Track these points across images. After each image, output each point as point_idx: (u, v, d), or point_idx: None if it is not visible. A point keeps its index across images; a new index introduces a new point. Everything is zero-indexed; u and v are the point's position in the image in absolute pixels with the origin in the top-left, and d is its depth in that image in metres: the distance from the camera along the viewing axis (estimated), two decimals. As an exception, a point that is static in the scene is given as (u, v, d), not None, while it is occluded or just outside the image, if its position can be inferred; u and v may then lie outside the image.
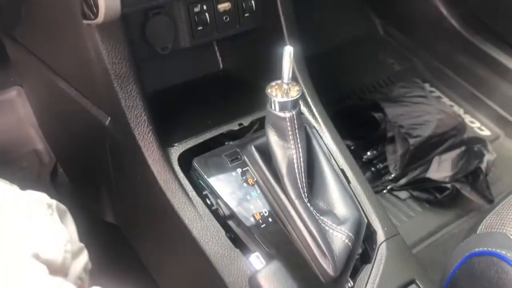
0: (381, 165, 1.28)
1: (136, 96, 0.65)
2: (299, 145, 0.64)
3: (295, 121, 0.63)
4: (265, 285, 0.53)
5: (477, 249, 0.73)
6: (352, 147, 1.32)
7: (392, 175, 1.25)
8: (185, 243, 0.66)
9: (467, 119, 1.53)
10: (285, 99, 0.62)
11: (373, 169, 1.29)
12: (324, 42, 1.54)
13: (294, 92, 0.62)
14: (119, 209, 0.88)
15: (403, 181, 1.24)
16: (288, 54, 0.59)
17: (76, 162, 0.96)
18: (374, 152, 1.30)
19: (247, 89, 0.81)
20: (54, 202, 0.52)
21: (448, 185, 1.18)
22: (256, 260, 0.57)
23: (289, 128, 0.63)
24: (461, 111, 1.55)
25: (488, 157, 1.20)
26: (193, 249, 0.65)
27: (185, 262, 0.73)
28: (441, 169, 1.19)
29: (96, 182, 0.91)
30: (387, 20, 1.71)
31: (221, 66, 0.89)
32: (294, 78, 0.77)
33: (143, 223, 0.81)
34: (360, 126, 1.32)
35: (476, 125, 1.53)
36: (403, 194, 1.25)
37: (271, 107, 0.63)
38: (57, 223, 0.49)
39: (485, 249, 0.72)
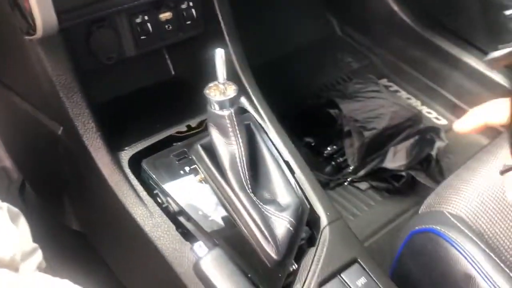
0: (341, 159, 1.33)
1: (82, 105, 0.69)
2: (240, 140, 0.69)
3: (234, 118, 0.68)
4: (208, 271, 0.57)
5: (417, 227, 0.78)
6: (312, 144, 1.37)
7: (351, 168, 1.30)
8: (139, 241, 0.70)
9: (424, 110, 1.59)
10: (222, 98, 0.66)
11: (333, 163, 1.34)
12: (282, 45, 1.59)
13: (231, 91, 0.67)
14: (81, 217, 0.91)
15: (362, 172, 1.29)
16: (219, 56, 0.63)
17: (39, 175, 0.99)
18: (334, 147, 1.35)
19: (196, 93, 0.85)
20: (5, 205, 0.55)
21: (404, 173, 1.23)
22: (199, 249, 0.61)
23: (229, 125, 0.68)
24: (418, 103, 1.61)
25: (438, 144, 1.26)
26: (147, 245, 0.69)
27: (142, 260, 0.76)
28: (396, 158, 1.25)
29: (59, 192, 0.94)
30: (343, 20, 1.77)
31: (173, 72, 0.93)
32: (237, 79, 0.82)
33: (103, 227, 0.85)
34: (319, 123, 1.38)
35: (433, 115, 1.59)
36: (363, 185, 1.31)
37: (211, 106, 0.68)
38: (7, 223, 0.52)
39: (424, 226, 0.77)
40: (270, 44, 1.55)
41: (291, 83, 1.48)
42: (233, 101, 0.67)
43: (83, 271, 0.75)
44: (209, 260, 0.57)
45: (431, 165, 1.23)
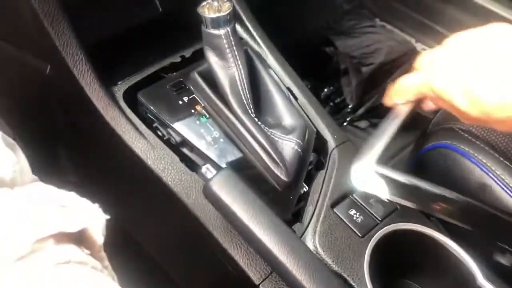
0: (338, 99, 1.30)
1: (69, 35, 0.65)
2: (239, 62, 0.65)
3: (231, 37, 0.64)
4: (219, 191, 0.54)
5: (427, 145, 0.76)
6: (308, 86, 1.33)
7: (350, 107, 1.27)
8: (143, 176, 0.67)
9: (419, 47, 1.56)
10: (216, 15, 0.62)
11: (331, 104, 1.31)
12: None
13: (225, 8, 0.63)
14: (78, 164, 0.88)
15: (361, 110, 1.27)
16: (211, -32, 0.59)
17: (30, 127, 0.95)
18: (331, 88, 1.32)
19: (188, 26, 0.81)
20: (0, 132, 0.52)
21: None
22: (207, 171, 0.58)
23: (226, 45, 0.64)
24: (412, 40, 1.57)
25: (438, 74, 1.23)
26: (151, 180, 0.66)
27: (148, 197, 0.74)
28: (395, 92, 1.22)
29: (52, 142, 0.90)
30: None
31: (160, 9, 0.88)
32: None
33: (102, 170, 0.82)
34: (314, 64, 1.34)
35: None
36: (363, 124, 1.28)
37: (205, 26, 0.64)
38: (4, 148, 0.48)
39: (434, 143, 0.75)
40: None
41: (282, 26, 1.43)
42: (229, 19, 0.63)
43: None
44: (219, 180, 0.54)
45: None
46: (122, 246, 0.89)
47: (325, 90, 1.32)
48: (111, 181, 0.82)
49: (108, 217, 0.44)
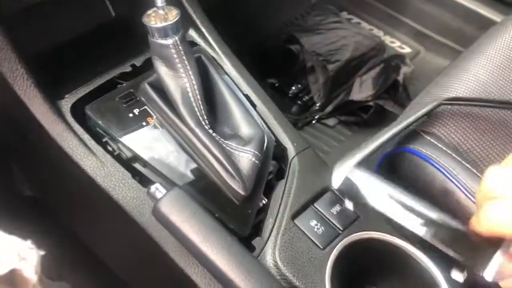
0: (306, 97, 1.28)
1: (7, 49, 0.61)
2: (190, 72, 0.62)
3: (180, 46, 0.61)
4: (168, 213, 0.51)
5: (389, 149, 0.74)
6: (276, 84, 1.31)
7: (318, 104, 1.25)
8: (93, 194, 0.64)
9: (388, 40, 1.55)
10: (163, 24, 0.59)
11: (299, 102, 1.29)
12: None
13: (172, 16, 0.60)
14: (31, 179, 0.84)
15: (329, 108, 1.25)
16: (154, -26, 0.56)
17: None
18: (299, 85, 1.30)
19: (138, 32, 0.78)
20: None
21: (372, 104, 1.19)
22: (156, 191, 0.55)
23: (174, 55, 0.61)
24: (380, 33, 1.56)
25: (404, 69, 1.22)
26: (101, 198, 0.63)
27: (100, 215, 0.71)
28: (362, 89, 1.21)
29: (4, 158, 0.86)
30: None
31: (113, 14, 0.84)
32: (183, 9, 0.75)
33: (54, 187, 0.78)
34: (281, 62, 1.31)
35: (396, 44, 1.55)
36: (332, 121, 1.27)
37: (152, 36, 0.61)
38: None
39: (398, 147, 0.73)
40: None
41: (247, 23, 1.40)
42: (176, 27, 0.60)
43: (38, 236, 0.69)
44: (168, 201, 0.52)
45: (399, 92, 1.20)
46: (82, 261, 0.86)
47: (293, 88, 1.30)
48: (65, 195, 0.79)
49: (42, 253, 0.41)
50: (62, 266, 0.77)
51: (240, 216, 0.61)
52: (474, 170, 0.66)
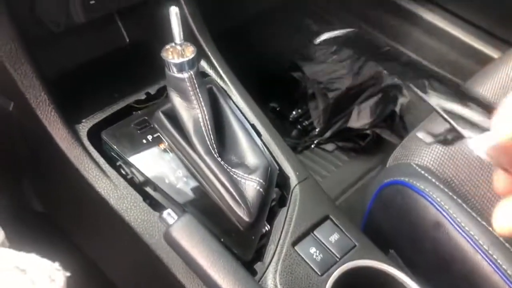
0: (306, 122, 1.33)
1: (32, 76, 0.65)
2: (203, 103, 0.66)
3: (195, 80, 0.65)
4: (179, 238, 0.55)
5: (386, 181, 0.78)
6: (277, 109, 1.36)
7: (317, 130, 1.30)
8: (106, 215, 0.67)
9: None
10: (180, 60, 0.63)
11: (299, 126, 1.33)
12: (240, 12, 1.55)
13: (189, 52, 0.64)
14: (43, 197, 0.88)
15: (328, 134, 1.30)
16: (174, 14, 0.60)
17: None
18: (299, 110, 1.35)
19: (154, 59, 0.82)
20: None
21: (369, 132, 1.24)
22: (168, 216, 0.59)
23: (189, 88, 0.65)
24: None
25: (401, 100, 1.27)
26: (114, 219, 0.66)
27: (111, 235, 0.74)
28: (360, 117, 1.25)
29: (17, 174, 0.90)
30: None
31: (127, 39, 0.88)
32: (195, 41, 0.79)
33: (66, 205, 0.81)
34: (283, 88, 1.36)
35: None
36: (330, 147, 1.31)
37: (169, 70, 0.65)
38: None
39: (392, 179, 0.78)
40: (228, 11, 1.51)
41: (253, 49, 1.45)
42: (192, 63, 0.64)
43: (49, 252, 0.72)
44: (180, 226, 0.55)
45: (395, 121, 1.24)
46: (89, 277, 0.89)
47: (294, 112, 1.35)
48: (76, 214, 0.82)
49: (68, 274, 0.44)
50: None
51: (244, 241, 0.65)
52: (464, 205, 0.70)
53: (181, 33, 0.62)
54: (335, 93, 1.26)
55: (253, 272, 0.64)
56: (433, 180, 0.74)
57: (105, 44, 0.85)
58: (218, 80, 0.80)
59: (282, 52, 1.54)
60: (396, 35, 1.62)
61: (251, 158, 0.70)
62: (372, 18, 1.66)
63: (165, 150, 0.70)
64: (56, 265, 0.42)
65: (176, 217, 0.58)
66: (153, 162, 0.68)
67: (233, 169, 0.67)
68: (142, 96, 0.75)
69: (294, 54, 1.46)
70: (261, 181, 0.66)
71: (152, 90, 0.76)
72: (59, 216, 0.88)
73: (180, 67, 0.64)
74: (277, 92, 1.36)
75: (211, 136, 0.67)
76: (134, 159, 0.68)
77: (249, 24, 1.53)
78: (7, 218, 0.69)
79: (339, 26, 1.69)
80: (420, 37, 1.58)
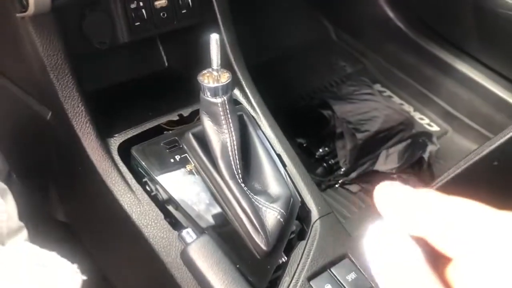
0: (332, 161, 1.32)
1: (72, 87, 0.68)
2: (232, 129, 0.68)
3: (227, 106, 0.67)
4: (195, 258, 0.55)
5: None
6: (304, 145, 1.36)
7: (343, 169, 1.29)
8: (126, 229, 0.68)
9: (417, 116, 1.60)
10: (215, 84, 0.65)
11: (325, 164, 1.33)
12: (277, 47, 1.59)
13: (224, 78, 0.66)
14: (68, 207, 0.89)
15: (353, 174, 1.29)
16: (214, 41, 0.62)
17: (25, 165, 0.97)
18: (326, 148, 1.35)
19: (190, 84, 0.85)
20: None
21: (395, 176, 1.23)
22: (187, 235, 0.59)
23: (221, 112, 0.67)
24: (411, 109, 1.61)
25: (430, 148, 1.25)
26: (133, 234, 0.67)
27: (129, 250, 0.75)
28: (388, 161, 1.24)
29: (45, 181, 0.92)
30: (338, 25, 1.78)
31: (166, 64, 0.92)
32: (231, 69, 0.81)
33: (89, 216, 0.83)
34: (311, 124, 1.37)
35: (425, 121, 1.59)
36: (354, 188, 1.30)
37: (204, 93, 0.67)
38: None
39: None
40: (265, 45, 1.55)
41: (284, 84, 1.48)
42: (226, 89, 0.66)
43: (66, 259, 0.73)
44: (197, 247, 0.56)
45: (423, 169, 1.23)
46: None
47: (320, 150, 1.35)
48: (97, 226, 0.83)
49: (85, 278, 0.45)
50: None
51: (259, 270, 0.65)
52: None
53: (219, 60, 0.64)
54: (364, 134, 1.26)
55: (266, 303, 0.63)
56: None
57: (145, 66, 0.89)
58: (249, 109, 0.81)
59: (314, 89, 1.56)
60: (428, 83, 1.62)
61: (274, 187, 0.70)
62: (405, 63, 1.67)
63: (191, 172, 0.71)
64: (75, 267, 0.43)
65: (194, 237, 0.58)
66: (178, 181, 0.69)
67: (255, 196, 0.68)
68: (174, 117, 0.77)
69: (325, 92, 1.48)
70: (282, 211, 0.66)
71: (185, 113, 0.78)
72: (79, 226, 0.90)
73: (214, 92, 0.65)
74: (305, 128, 1.36)
75: (237, 161, 0.68)
76: (160, 176, 0.69)
77: (284, 59, 1.57)
78: (30, 223, 0.70)
79: (372, 70, 1.71)
80: (453, 87, 1.58)
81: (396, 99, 1.63)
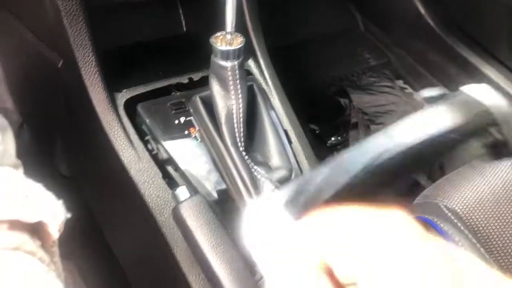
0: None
1: (85, 36, 0.67)
2: (240, 96, 0.67)
3: (237, 71, 0.65)
4: (186, 216, 0.55)
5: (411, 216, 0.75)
6: (317, 131, 1.34)
7: (353, 160, 1.27)
8: (124, 184, 0.68)
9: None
10: (227, 48, 0.64)
11: (335, 153, 1.31)
12: (302, 32, 1.57)
13: (237, 43, 0.65)
14: (71, 159, 0.90)
15: (363, 166, 1.27)
16: (230, 2, 0.61)
17: (36, 115, 0.98)
18: (338, 137, 1.33)
19: (204, 49, 0.84)
20: None
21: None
22: (180, 193, 0.59)
23: (230, 77, 0.65)
24: (430, 109, 1.58)
25: (445, 147, 1.22)
26: (130, 190, 0.67)
27: (124, 205, 0.75)
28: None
29: (53, 133, 0.93)
30: (367, 16, 1.75)
31: (185, 28, 0.91)
32: (247, 36, 0.80)
33: (90, 169, 0.83)
34: (327, 112, 1.35)
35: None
36: (363, 180, 1.28)
37: (215, 56, 0.66)
38: None
39: (418, 215, 0.75)
40: (291, 29, 1.53)
41: (305, 69, 1.46)
42: (238, 53, 0.65)
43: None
44: (189, 205, 0.55)
45: (434, 168, 1.20)
46: (92, 245, 0.89)
47: (332, 138, 1.33)
48: (97, 180, 0.84)
49: (68, 215, 0.44)
50: (73, 248, 0.81)
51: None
52: (487, 256, 0.66)
53: (234, 23, 0.63)
54: (378, 127, 1.23)
55: (252, 273, 0.62)
56: (459, 224, 0.70)
57: (163, 29, 0.88)
58: (261, 81, 0.80)
59: (333, 78, 1.54)
60: (451, 83, 1.58)
61: (276, 160, 0.69)
62: (430, 61, 1.63)
63: (194, 135, 0.70)
64: (60, 202, 0.42)
65: (188, 195, 0.57)
66: (180, 143, 0.69)
67: (255, 166, 0.66)
68: (184, 80, 0.76)
69: (344, 81, 1.45)
70: (279, 185, 0.65)
71: (196, 77, 0.77)
72: (81, 180, 0.90)
73: (226, 55, 0.64)
74: (320, 115, 1.34)
75: (241, 129, 0.67)
76: (162, 136, 0.69)
77: (308, 45, 1.54)
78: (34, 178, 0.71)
79: (396, 65, 1.67)
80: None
81: (417, 97, 1.60)
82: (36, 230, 0.41)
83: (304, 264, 0.24)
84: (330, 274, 0.24)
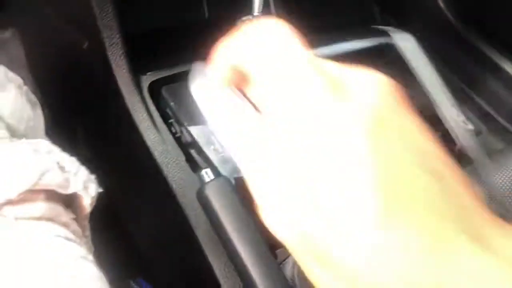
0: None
1: (112, 17, 0.67)
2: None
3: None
4: (211, 196, 0.55)
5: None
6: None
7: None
8: (146, 166, 0.69)
9: (453, 112, 1.55)
10: (254, 31, 0.64)
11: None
12: (315, 19, 1.56)
13: (264, 27, 0.65)
14: (93, 141, 0.90)
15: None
16: (258, -15, 0.61)
17: (59, 97, 0.99)
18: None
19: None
20: (26, 88, 0.54)
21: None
22: (205, 175, 0.59)
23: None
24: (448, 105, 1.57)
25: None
26: (153, 171, 0.67)
27: (147, 187, 0.75)
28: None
29: (76, 116, 0.93)
30: (385, 7, 1.73)
31: (207, 15, 0.91)
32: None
33: (112, 152, 0.84)
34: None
35: (461, 118, 1.54)
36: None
37: (240, 40, 0.66)
38: (25, 103, 0.51)
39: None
40: (304, 14, 1.52)
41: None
42: (265, 38, 0.65)
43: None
44: (215, 186, 0.55)
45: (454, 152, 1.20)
46: (108, 224, 0.90)
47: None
48: (118, 163, 0.84)
49: (101, 190, 0.45)
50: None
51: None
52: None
53: (261, 6, 0.63)
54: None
55: (274, 256, 0.62)
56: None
57: (185, 14, 0.88)
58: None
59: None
60: (470, 80, 1.57)
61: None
62: (448, 57, 1.62)
63: (217, 119, 0.70)
64: (93, 177, 0.43)
65: (213, 177, 0.58)
66: (204, 127, 0.69)
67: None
68: None
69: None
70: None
71: (220, 62, 0.77)
72: (101, 163, 0.91)
73: (252, 39, 0.64)
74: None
75: (265, 114, 0.67)
76: (186, 120, 0.69)
77: (321, 32, 1.53)
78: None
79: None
80: (496, 87, 1.52)
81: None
82: (70, 202, 0.42)
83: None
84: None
